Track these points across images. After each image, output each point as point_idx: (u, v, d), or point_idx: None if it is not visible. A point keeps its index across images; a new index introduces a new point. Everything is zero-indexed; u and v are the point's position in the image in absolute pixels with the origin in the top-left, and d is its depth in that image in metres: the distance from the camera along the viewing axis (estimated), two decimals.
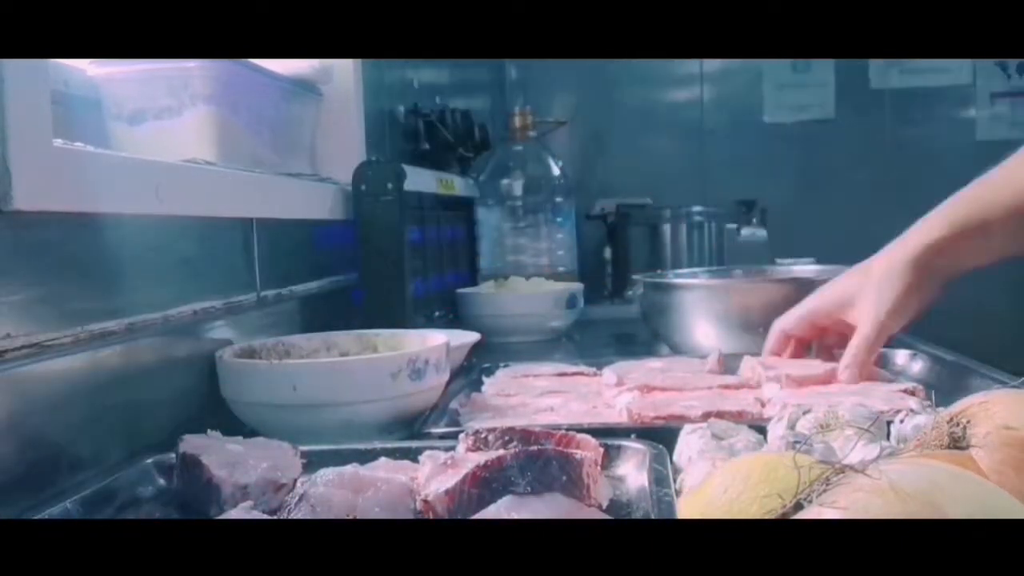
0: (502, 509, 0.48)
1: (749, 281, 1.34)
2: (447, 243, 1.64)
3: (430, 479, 0.51)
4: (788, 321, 0.94)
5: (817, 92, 2.47)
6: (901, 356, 0.99)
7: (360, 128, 1.30)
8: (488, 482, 0.49)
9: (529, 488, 0.49)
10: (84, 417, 0.66)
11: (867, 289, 0.84)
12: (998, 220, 0.79)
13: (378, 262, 1.15)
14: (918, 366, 0.97)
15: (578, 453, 0.51)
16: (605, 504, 0.52)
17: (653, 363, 1.02)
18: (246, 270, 0.96)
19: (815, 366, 0.92)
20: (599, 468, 0.53)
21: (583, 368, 1.03)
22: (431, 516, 0.50)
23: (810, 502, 0.39)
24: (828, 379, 0.90)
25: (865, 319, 0.85)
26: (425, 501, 0.50)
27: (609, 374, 0.96)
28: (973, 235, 0.80)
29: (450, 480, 0.50)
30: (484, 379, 1.00)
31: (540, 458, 0.50)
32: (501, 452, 0.51)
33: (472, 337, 1.06)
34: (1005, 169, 0.80)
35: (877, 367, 0.93)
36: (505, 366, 1.05)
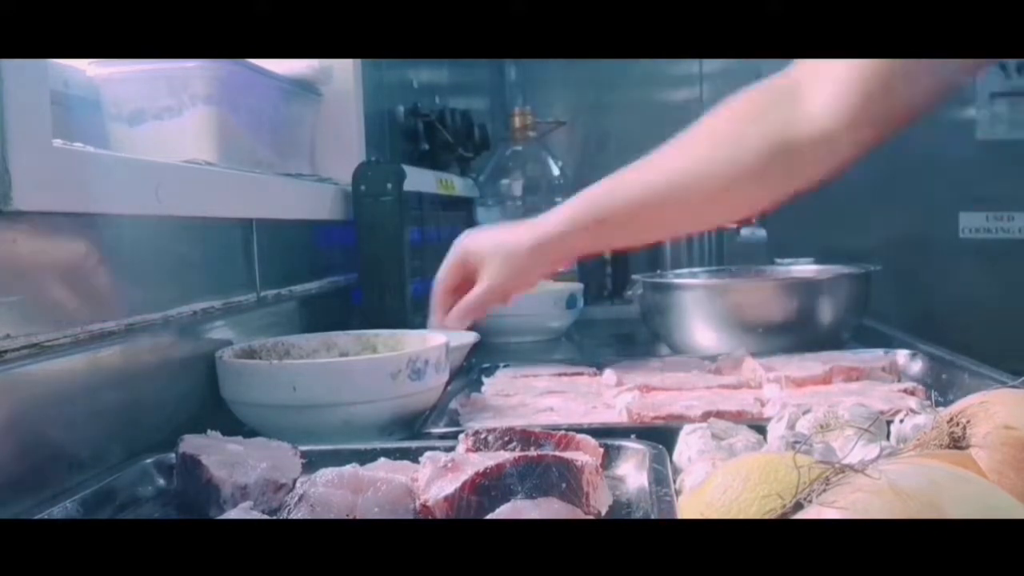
0: (501, 517, 0.47)
1: (749, 281, 1.34)
2: (447, 243, 1.63)
3: (430, 482, 0.51)
4: (441, 273, 0.99)
5: None
6: (901, 356, 0.99)
7: (360, 128, 1.30)
8: (487, 489, 0.49)
9: (529, 495, 0.49)
10: (84, 417, 0.66)
11: (495, 256, 0.94)
12: (614, 217, 0.87)
13: (378, 262, 1.15)
14: (918, 366, 0.97)
15: (578, 460, 0.51)
16: (605, 511, 0.52)
17: (653, 363, 1.02)
18: (246, 270, 0.96)
19: (815, 367, 0.92)
20: (600, 475, 0.53)
21: (583, 368, 1.03)
22: None
23: (810, 502, 0.39)
24: (828, 380, 0.90)
25: (482, 282, 0.95)
26: (424, 506, 0.50)
27: (609, 374, 0.96)
28: (590, 230, 0.89)
29: (450, 486, 0.50)
30: (484, 379, 1.00)
31: (539, 465, 0.50)
32: (501, 458, 0.51)
33: (471, 337, 1.06)
34: (634, 170, 0.87)
35: (873, 368, 0.93)
36: (505, 366, 1.05)
